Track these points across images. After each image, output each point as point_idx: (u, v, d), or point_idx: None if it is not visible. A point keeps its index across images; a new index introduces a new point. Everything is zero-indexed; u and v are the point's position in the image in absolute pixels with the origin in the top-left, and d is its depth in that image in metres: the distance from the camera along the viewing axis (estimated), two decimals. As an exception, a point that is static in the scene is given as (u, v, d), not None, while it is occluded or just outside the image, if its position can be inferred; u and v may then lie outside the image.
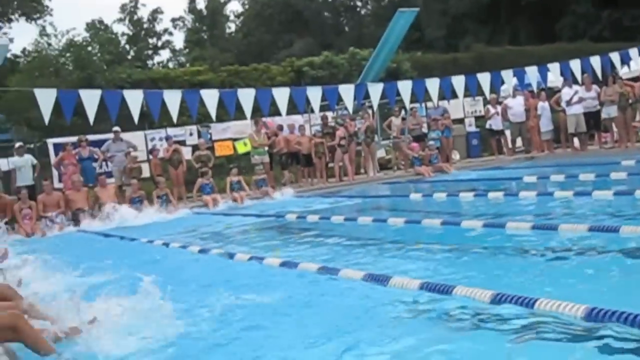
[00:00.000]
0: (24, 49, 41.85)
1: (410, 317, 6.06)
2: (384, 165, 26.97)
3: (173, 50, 74.22)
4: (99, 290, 7.20)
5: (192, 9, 75.13)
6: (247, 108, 20.70)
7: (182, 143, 25.38)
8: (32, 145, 24.62)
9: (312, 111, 23.75)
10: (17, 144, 21.77)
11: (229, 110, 21.08)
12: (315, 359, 5.20)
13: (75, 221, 19.43)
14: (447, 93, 23.88)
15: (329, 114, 25.27)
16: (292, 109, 22.52)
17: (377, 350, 5.21)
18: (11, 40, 50.34)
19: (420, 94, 23.44)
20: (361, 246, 10.61)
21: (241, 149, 27.06)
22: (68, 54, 32.23)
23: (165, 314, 6.32)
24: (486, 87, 23.89)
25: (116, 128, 21.80)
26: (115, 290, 6.91)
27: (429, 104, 27.17)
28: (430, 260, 8.67)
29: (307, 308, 6.72)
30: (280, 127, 24.48)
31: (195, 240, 13.63)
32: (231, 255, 10.40)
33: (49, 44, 32.60)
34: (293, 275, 8.36)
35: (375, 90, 22.74)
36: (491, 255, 8.73)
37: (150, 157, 22.85)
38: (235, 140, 27.67)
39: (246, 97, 20.65)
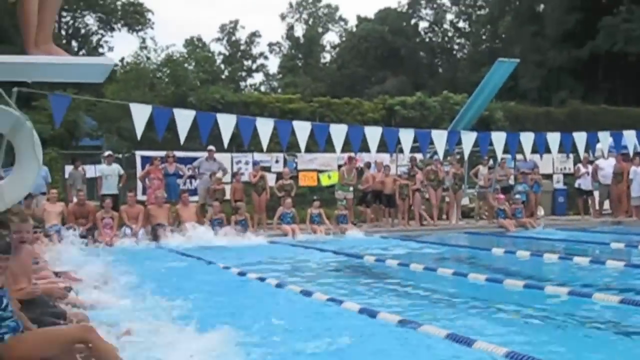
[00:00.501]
0: (123, 58, 42.66)
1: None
2: (466, 214, 26.56)
3: (267, 75, 75.13)
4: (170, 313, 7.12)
5: (289, 35, 75.97)
6: (338, 143, 20.55)
7: (267, 169, 25.36)
8: (120, 155, 24.87)
9: (402, 151, 23.50)
10: (107, 153, 22.07)
11: (319, 143, 20.97)
12: None
13: (154, 236, 19.51)
14: (541, 148, 23.36)
15: (418, 156, 25.03)
16: (381, 147, 22.32)
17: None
18: (111, 48, 51.51)
19: (513, 147, 22.99)
20: (440, 300, 10.43)
21: (325, 181, 26.97)
22: (165, 69, 32.65)
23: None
24: (581, 146, 23.32)
25: (211, 147, 21.91)
26: (187, 317, 6.79)
27: (519, 156, 26.69)
28: (512, 325, 8.41)
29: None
30: (368, 165, 24.29)
31: (272, 271, 13.48)
32: (308, 294, 10.27)
33: (148, 57, 33.10)
34: (372, 324, 8.19)
35: (468, 139, 22.39)
36: (577, 326, 8.39)
37: (234, 180, 22.85)
38: (320, 172, 27.58)
39: (338, 132, 20.51)
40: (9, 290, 5.98)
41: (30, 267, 7.66)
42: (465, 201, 26.87)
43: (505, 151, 23.71)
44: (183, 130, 18.40)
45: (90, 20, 51.96)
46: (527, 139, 22.63)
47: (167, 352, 6.24)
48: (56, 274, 9.93)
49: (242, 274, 12.81)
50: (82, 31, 49.34)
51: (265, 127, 19.63)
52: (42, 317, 6.94)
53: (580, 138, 23.05)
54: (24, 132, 6.50)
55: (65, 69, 5.70)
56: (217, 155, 22.49)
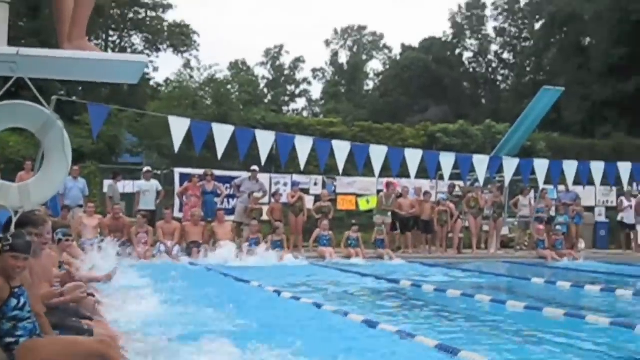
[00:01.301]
0: (167, 78, 42.91)
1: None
2: (505, 244, 26.11)
3: (309, 100, 75.23)
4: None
5: (333, 61, 76.10)
6: (377, 165, 20.31)
7: (306, 191, 25.15)
8: (159, 172, 24.85)
9: (442, 178, 23.15)
10: (145, 169, 22.04)
11: (358, 165, 20.71)
12: None
13: (189, 253, 19.35)
14: (584, 178, 22.89)
15: (459, 183, 24.67)
16: (421, 172, 22.05)
17: None
18: (156, 69, 51.86)
19: (555, 176, 22.56)
20: (478, 326, 10.15)
21: (363, 206, 26.70)
22: (207, 89, 32.73)
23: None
24: (625, 178, 22.82)
25: (255, 167, 21.81)
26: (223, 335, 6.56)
27: (560, 187, 26.22)
28: (552, 353, 8.09)
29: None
30: (407, 190, 23.99)
31: (308, 292, 13.34)
32: (344, 314, 10.11)
33: (191, 76, 33.21)
34: (409, 347, 8.00)
35: (510, 165, 22.01)
36: (619, 358, 8.13)
37: (272, 200, 22.69)
38: (358, 196, 27.30)
39: (377, 154, 20.26)
40: (31, 293, 5.81)
41: (51, 271, 7.50)
42: (505, 231, 26.44)
43: (547, 182, 23.30)
44: (221, 146, 18.28)
45: (137, 40, 52.41)
46: (570, 168, 22.21)
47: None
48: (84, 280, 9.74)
49: (277, 292, 12.62)
50: (129, 51, 49.59)
51: (304, 145, 19.47)
52: (65, 323, 6.75)
53: (624, 169, 22.58)
54: (54, 131, 6.37)
55: (98, 66, 5.55)
56: (256, 175, 22.36)
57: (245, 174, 22.41)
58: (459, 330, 9.63)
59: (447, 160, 21.29)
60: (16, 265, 5.47)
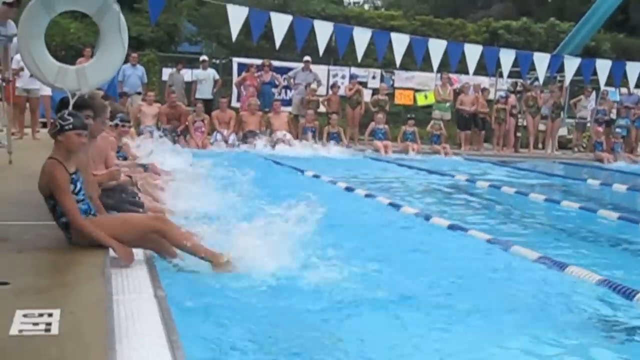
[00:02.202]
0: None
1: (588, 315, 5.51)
2: (563, 145, 25.74)
3: (371, -8, 73.90)
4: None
5: (394, -48, 74.38)
6: (435, 60, 20.02)
7: (364, 85, 24.90)
8: (217, 62, 24.76)
9: (501, 75, 22.73)
10: (202, 58, 21.94)
11: (416, 59, 20.42)
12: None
13: (245, 142, 19.43)
14: (647, 81, 22.34)
15: (520, 81, 24.25)
16: (480, 69, 21.69)
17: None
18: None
19: (617, 77, 22.06)
20: (532, 224, 10.15)
21: (421, 101, 26.39)
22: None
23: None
24: (692, 80, 22.19)
25: (307, 58, 21.56)
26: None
27: (622, 90, 25.61)
28: (606, 254, 8.11)
29: (479, 279, 6.35)
30: (468, 86, 23.62)
31: (362, 184, 13.31)
32: (397, 207, 10.15)
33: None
34: (461, 241, 8.02)
35: (572, 65, 21.53)
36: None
37: (330, 92, 22.56)
38: (417, 91, 27.00)
39: (436, 48, 19.95)
40: (87, 176, 5.88)
41: (107, 153, 7.54)
42: (563, 131, 26.03)
43: (608, 84, 22.79)
44: (279, 36, 18.13)
45: None
46: (633, 69, 21.71)
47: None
48: (143, 166, 9.83)
49: (332, 182, 12.74)
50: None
51: (362, 37, 19.23)
52: (121, 205, 6.85)
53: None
54: (110, 14, 6.33)
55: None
56: (313, 67, 22.18)
57: (301, 66, 22.26)
58: (511, 227, 9.62)
59: (507, 57, 20.95)
60: (81, 142, 5.56)
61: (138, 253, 5.66)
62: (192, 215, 7.25)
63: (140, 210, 6.91)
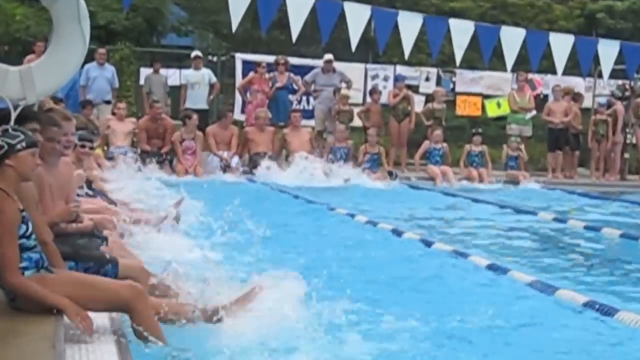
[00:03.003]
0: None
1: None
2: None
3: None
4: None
5: None
6: (510, 55, 20.05)
7: (414, 89, 24.87)
8: (214, 59, 24.86)
9: (600, 75, 22.75)
10: (194, 54, 21.86)
11: (484, 54, 20.47)
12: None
13: (252, 167, 19.43)
14: None
15: (626, 83, 24.22)
16: (573, 67, 21.68)
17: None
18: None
19: None
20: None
21: (492, 111, 26.29)
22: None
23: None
24: None
25: (328, 56, 21.40)
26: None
27: None
28: None
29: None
30: (559, 90, 23.57)
31: (413, 226, 13.38)
32: (464, 255, 10.39)
33: None
34: (548, 301, 8.22)
35: (697, 61, 21.53)
36: None
37: (368, 100, 22.54)
38: (485, 97, 26.96)
39: (512, 38, 19.95)
40: (38, 214, 5.92)
41: (71, 186, 7.55)
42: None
43: None
44: (297, 25, 18.14)
45: None
46: None
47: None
48: (112, 202, 9.91)
49: (372, 223, 12.81)
50: None
51: (410, 24, 19.22)
52: (81, 253, 6.82)
53: None
54: (65, -1, 6.34)
55: None
56: (344, 65, 22.17)
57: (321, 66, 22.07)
58: (615, 283, 9.63)
59: (608, 51, 20.94)
60: (35, 164, 5.65)
61: (102, 317, 5.68)
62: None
63: (109, 266, 6.80)
